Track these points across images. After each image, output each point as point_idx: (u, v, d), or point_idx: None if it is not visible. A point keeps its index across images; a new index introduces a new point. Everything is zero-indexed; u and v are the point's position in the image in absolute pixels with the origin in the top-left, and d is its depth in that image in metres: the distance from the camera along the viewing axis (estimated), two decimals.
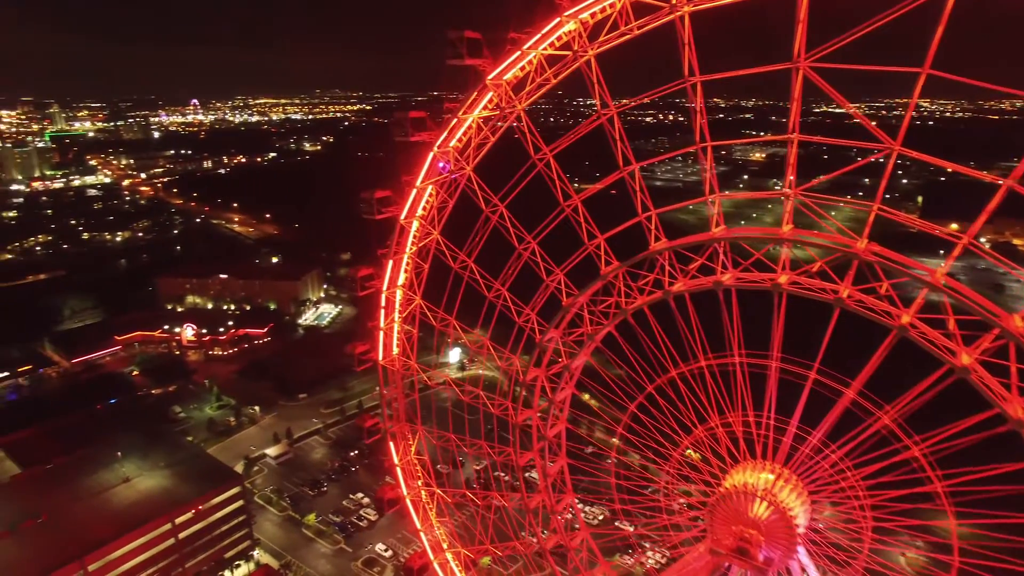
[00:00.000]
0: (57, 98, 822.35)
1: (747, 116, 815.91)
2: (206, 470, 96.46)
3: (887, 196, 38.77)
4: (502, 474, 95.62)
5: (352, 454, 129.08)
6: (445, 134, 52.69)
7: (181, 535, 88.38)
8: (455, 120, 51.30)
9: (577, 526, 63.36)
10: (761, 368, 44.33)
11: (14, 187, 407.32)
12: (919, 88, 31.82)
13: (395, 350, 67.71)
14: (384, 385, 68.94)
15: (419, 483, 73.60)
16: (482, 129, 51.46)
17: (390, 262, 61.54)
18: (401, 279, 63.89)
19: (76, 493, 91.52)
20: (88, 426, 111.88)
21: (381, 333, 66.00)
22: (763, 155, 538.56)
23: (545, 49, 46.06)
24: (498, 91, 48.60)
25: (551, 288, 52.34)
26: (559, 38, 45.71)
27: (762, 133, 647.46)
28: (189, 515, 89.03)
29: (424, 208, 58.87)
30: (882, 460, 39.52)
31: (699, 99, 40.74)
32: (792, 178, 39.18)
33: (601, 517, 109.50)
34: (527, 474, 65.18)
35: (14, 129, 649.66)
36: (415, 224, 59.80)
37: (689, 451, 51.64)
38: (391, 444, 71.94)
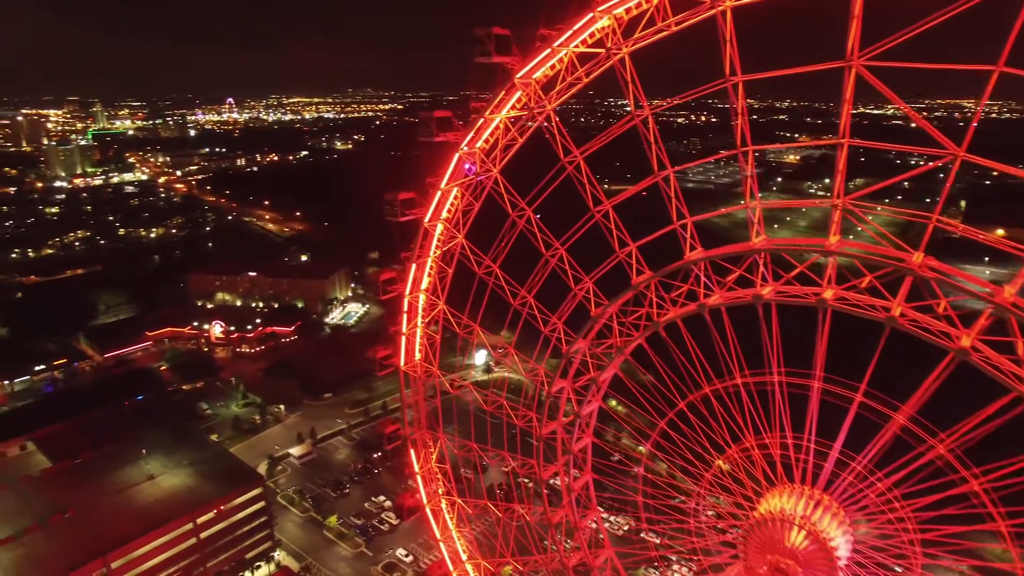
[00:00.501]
0: (101, 97, 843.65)
1: (781, 117, 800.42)
2: (229, 469, 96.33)
3: (926, 199, 35.83)
4: (526, 480, 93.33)
5: (375, 456, 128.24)
6: (471, 134, 50.93)
7: (203, 535, 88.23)
8: (482, 120, 49.50)
9: (601, 538, 61.05)
10: (802, 388, 41.52)
11: (58, 183, 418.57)
12: (991, 87, 28.90)
13: (417, 356, 66.25)
14: (405, 391, 67.66)
15: (440, 492, 72.11)
16: (510, 130, 49.54)
17: (413, 266, 60.05)
18: (424, 283, 62.33)
19: (102, 488, 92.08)
20: (116, 421, 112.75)
21: (403, 338, 64.65)
22: (797, 157, 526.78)
23: (577, 47, 43.95)
24: (527, 90, 46.62)
25: (579, 297, 50.16)
26: (591, 35, 43.58)
27: (797, 135, 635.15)
28: (211, 515, 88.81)
29: (449, 211, 57.19)
30: (936, 492, 36.49)
31: (740, 100, 38.19)
32: (840, 185, 36.32)
33: (626, 527, 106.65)
34: (550, 481, 62.96)
35: (60, 127, 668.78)
36: (439, 227, 58.19)
37: (720, 464, 49.01)
38: (412, 451, 70.56)
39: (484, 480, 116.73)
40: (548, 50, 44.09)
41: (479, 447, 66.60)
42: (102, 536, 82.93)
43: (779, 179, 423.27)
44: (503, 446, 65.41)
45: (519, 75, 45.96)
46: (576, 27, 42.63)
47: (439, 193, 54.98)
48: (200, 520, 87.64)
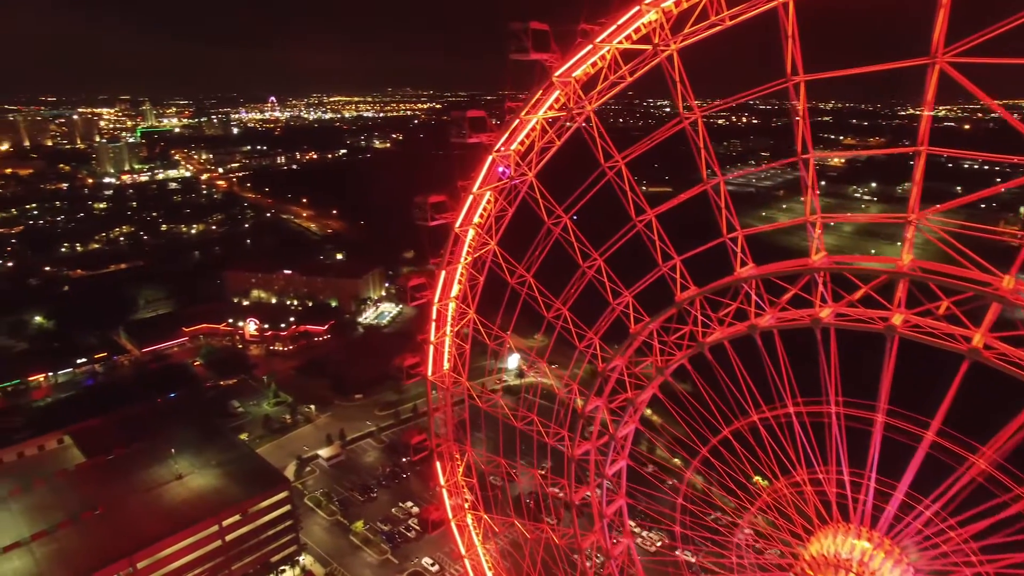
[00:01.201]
0: (151, 96, 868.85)
1: (825, 119, 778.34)
2: (256, 471, 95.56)
3: (981, 205, 31.53)
4: (557, 490, 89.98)
5: (404, 460, 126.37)
6: (506, 136, 48.13)
7: (228, 537, 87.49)
8: (517, 121, 46.65)
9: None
10: (862, 423, 37.52)
11: (106, 180, 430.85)
12: None
13: (446, 365, 63.80)
14: (432, 401, 65.28)
15: (465, 506, 69.56)
16: (547, 131, 46.58)
17: (443, 272, 57.57)
18: (454, 291, 59.84)
19: (132, 486, 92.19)
20: (148, 418, 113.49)
21: (431, 347, 62.25)
22: (843, 160, 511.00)
23: (620, 43, 40.71)
24: (566, 89, 43.58)
25: (617, 311, 46.95)
26: (637, 30, 40.32)
27: (842, 138, 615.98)
28: (237, 517, 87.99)
29: (481, 216, 54.53)
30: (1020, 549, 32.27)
31: (802, 101, 34.52)
32: (916, 199, 32.36)
33: (660, 543, 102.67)
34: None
35: (112, 125, 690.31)
36: (470, 233, 55.56)
37: (766, 496, 45.08)
38: (437, 463, 68.15)
39: (513, 489, 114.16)
40: (590, 46, 40.95)
41: (507, 463, 63.86)
42: (129, 535, 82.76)
43: (823, 183, 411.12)
44: (533, 462, 62.63)
45: (558, 73, 42.95)
46: (621, 21, 39.44)
47: (471, 197, 52.36)
48: (226, 522, 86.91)
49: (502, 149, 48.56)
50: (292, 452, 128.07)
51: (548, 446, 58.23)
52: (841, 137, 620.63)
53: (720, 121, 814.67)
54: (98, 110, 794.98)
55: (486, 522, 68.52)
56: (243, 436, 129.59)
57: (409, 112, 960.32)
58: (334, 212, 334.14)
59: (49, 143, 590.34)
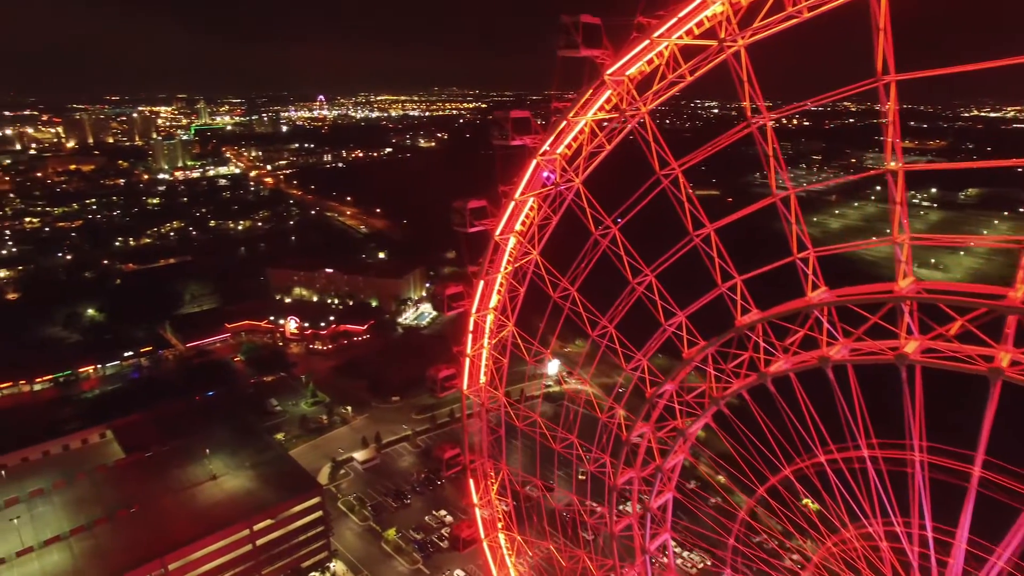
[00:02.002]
0: (205, 95, 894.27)
1: (880, 121, 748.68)
2: (289, 475, 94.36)
3: None
4: (595, 505, 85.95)
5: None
6: (552, 138, 44.62)
7: (259, 541, 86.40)
8: (564, 123, 43.05)
9: None
10: (952, 473, 32.72)
11: (160, 176, 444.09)
12: None
13: (482, 379, 60.73)
14: (467, 416, 62.31)
15: (499, 525, 66.38)
16: (596, 134, 42.87)
17: (482, 282, 54.45)
18: (493, 301, 56.69)
19: (166, 485, 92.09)
20: (187, 416, 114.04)
21: (468, 360, 59.24)
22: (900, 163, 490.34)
23: (681, 37, 36.71)
24: (618, 89, 39.80)
25: (668, 333, 42.93)
26: (699, 24, 36.25)
27: (898, 140, 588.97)
28: (269, 522, 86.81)
29: (523, 224, 51.20)
30: None
31: (893, 104, 30.03)
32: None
33: (701, 565, 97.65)
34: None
35: (168, 123, 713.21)
36: (511, 241, 52.29)
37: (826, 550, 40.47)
38: (471, 481, 65.13)
39: (548, 500, 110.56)
40: (646, 42, 37.07)
41: (544, 484, 60.43)
42: (162, 535, 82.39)
43: (878, 187, 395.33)
44: (571, 485, 59.10)
45: (610, 71, 39.18)
46: (682, 14, 35.43)
47: (513, 203, 49.09)
48: (257, 527, 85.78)
49: (547, 152, 45.10)
50: (327, 454, 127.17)
51: (589, 480, 54.76)
52: (897, 140, 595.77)
53: (769, 123, 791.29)
54: (156, 108, 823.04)
55: (519, 542, 65.33)
56: (280, 436, 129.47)
57: (454, 111, 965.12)
58: (377, 211, 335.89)
59: (110, 140, 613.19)
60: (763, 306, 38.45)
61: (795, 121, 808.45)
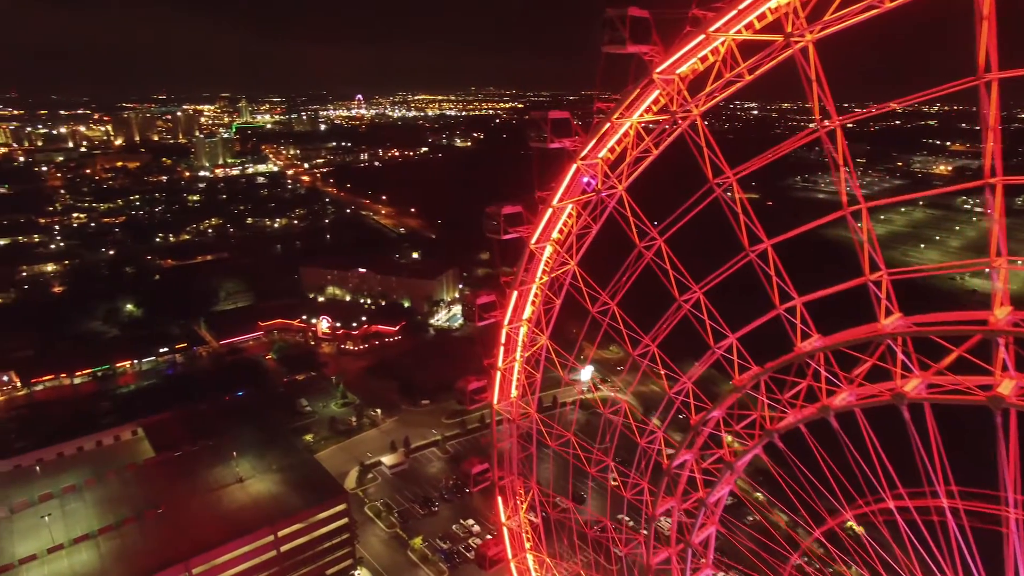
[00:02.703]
0: (247, 94, 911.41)
1: (929, 122, 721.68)
2: (315, 480, 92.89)
3: None
4: (627, 519, 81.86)
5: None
6: (593, 142, 41.36)
7: (283, 547, 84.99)
8: (608, 125, 39.76)
9: None
10: None
11: (202, 173, 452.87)
12: None
13: (513, 393, 57.77)
14: (497, 431, 59.45)
15: (527, 545, 63.38)
16: (643, 138, 39.47)
17: (515, 292, 51.47)
18: (527, 313, 53.65)
19: (193, 486, 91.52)
20: (216, 415, 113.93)
21: (499, 373, 56.34)
22: (949, 167, 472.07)
23: (740, 32, 33.16)
24: (668, 88, 36.36)
25: (717, 355, 39.31)
26: (762, 16, 32.68)
27: (948, 143, 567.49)
28: (293, 528, 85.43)
29: (560, 232, 48.04)
30: None
31: (993, 106, 26.04)
32: None
33: None
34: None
35: (211, 121, 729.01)
36: (548, 250, 49.19)
37: None
38: (499, 499, 62.23)
39: (580, 512, 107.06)
40: (701, 36, 33.62)
41: (576, 507, 57.15)
42: (188, 537, 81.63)
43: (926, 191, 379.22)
44: (604, 495, 55.73)
45: (659, 69, 35.79)
46: (743, 6, 31.93)
47: (550, 210, 45.99)
48: (282, 532, 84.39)
49: (588, 156, 41.88)
50: (356, 456, 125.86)
51: (625, 506, 51.30)
52: (948, 143, 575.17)
53: (812, 124, 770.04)
54: (200, 107, 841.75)
55: (548, 564, 62.25)
56: (308, 437, 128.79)
57: (491, 111, 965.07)
58: (412, 210, 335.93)
59: (156, 138, 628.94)
60: (824, 330, 34.67)
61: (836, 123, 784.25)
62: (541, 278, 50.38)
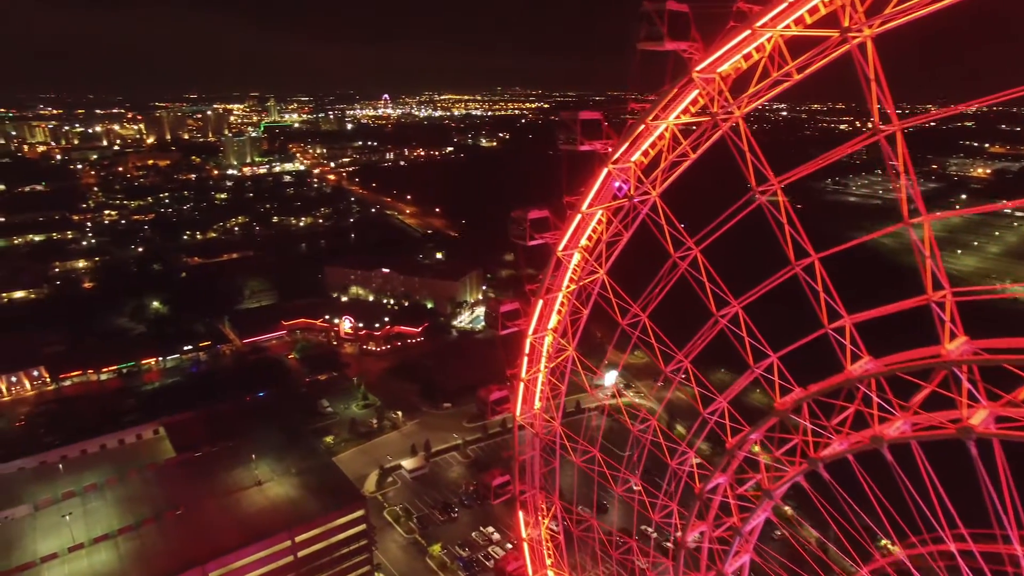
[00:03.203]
0: (276, 93, 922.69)
1: (967, 124, 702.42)
2: (333, 485, 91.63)
3: None
4: (652, 532, 79.09)
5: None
6: (626, 145, 38.99)
7: (300, 553, 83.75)
8: (642, 127, 37.37)
9: None
10: None
11: (230, 171, 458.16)
12: None
13: (537, 405, 55.61)
14: (519, 443, 57.33)
15: (548, 562, 61.16)
16: (679, 141, 37.00)
17: (540, 301, 49.32)
18: (552, 322, 51.47)
19: (212, 487, 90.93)
20: (237, 416, 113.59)
21: (522, 384, 54.22)
22: (987, 170, 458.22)
23: (789, 27, 30.56)
24: (708, 88, 33.87)
25: (756, 374, 36.69)
26: (814, 10, 30.03)
27: (988, 145, 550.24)
28: (311, 534, 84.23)
29: (589, 239, 45.76)
30: None
31: None
32: None
33: None
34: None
35: (240, 120, 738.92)
36: (575, 257, 46.95)
37: None
38: (520, 513, 60.12)
39: (603, 518, 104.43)
40: (747, 32, 31.11)
41: (601, 525, 54.73)
42: (205, 540, 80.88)
43: (963, 195, 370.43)
44: (630, 517, 53.25)
45: (700, 67, 33.33)
46: None
47: (579, 216, 43.75)
48: (299, 538, 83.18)
49: (620, 160, 39.52)
50: (376, 459, 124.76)
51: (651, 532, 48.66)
52: (987, 144, 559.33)
53: (843, 127, 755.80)
54: (230, 106, 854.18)
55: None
56: (329, 439, 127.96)
57: (517, 111, 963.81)
58: (436, 210, 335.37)
59: (186, 137, 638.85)
60: (874, 350, 31.90)
61: (870, 123, 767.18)
62: (568, 287, 48.16)
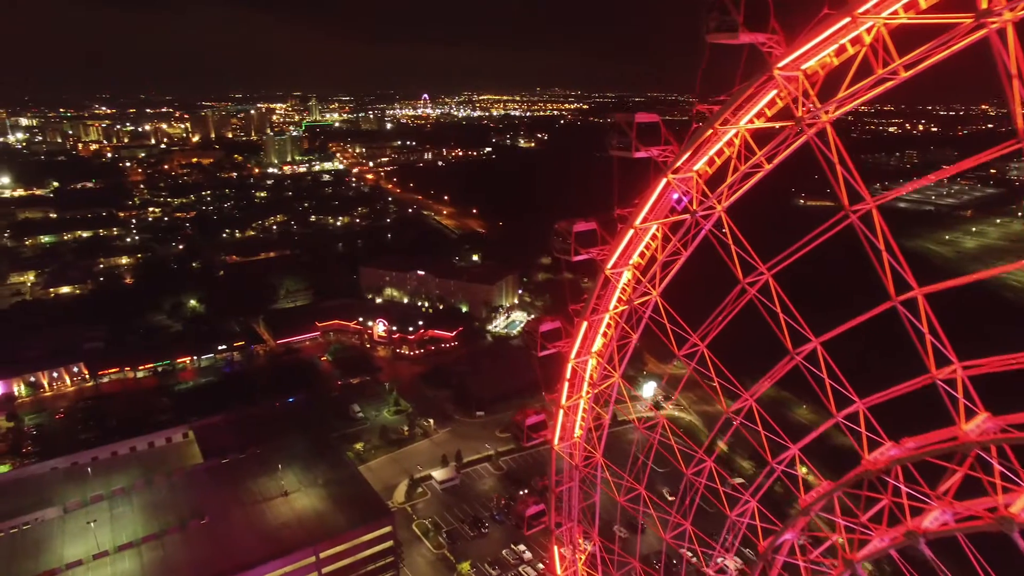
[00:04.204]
0: (318, 92, 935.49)
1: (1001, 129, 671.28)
2: (360, 499, 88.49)
3: None
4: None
5: (521, 493, 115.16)
6: (689, 152, 34.08)
7: (325, 569, 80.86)
8: (709, 131, 32.44)
9: None
10: None
11: (270, 170, 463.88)
12: None
13: (577, 433, 51.01)
14: (556, 474, 52.80)
15: None
16: (752, 149, 31.96)
17: (585, 322, 44.64)
18: (597, 344, 46.77)
19: (238, 496, 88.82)
20: (266, 421, 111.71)
21: (561, 411, 49.70)
22: None
23: (896, 13, 25.34)
24: (791, 87, 28.80)
25: (836, 419, 31.42)
26: None
27: None
28: (336, 550, 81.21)
29: (641, 256, 40.94)
30: None
31: None
32: None
33: None
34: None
35: (282, 119, 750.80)
36: (625, 276, 42.16)
37: None
38: (555, 548, 55.57)
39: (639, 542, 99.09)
40: (845, 20, 25.95)
41: (643, 568, 49.82)
42: (228, 552, 78.82)
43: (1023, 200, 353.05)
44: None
45: (782, 63, 28.27)
46: None
47: (632, 231, 38.94)
48: (324, 554, 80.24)
49: (681, 169, 34.64)
50: (406, 468, 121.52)
51: None
52: None
53: (891, 129, 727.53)
54: (273, 105, 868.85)
55: None
56: (359, 445, 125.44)
57: (555, 112, 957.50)
58: (474, 211, 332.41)
59: (229, 135, 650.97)
60: (994, 407, 26.42)
61: (920, 127, 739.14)
62: (615, 308, 43.42)
